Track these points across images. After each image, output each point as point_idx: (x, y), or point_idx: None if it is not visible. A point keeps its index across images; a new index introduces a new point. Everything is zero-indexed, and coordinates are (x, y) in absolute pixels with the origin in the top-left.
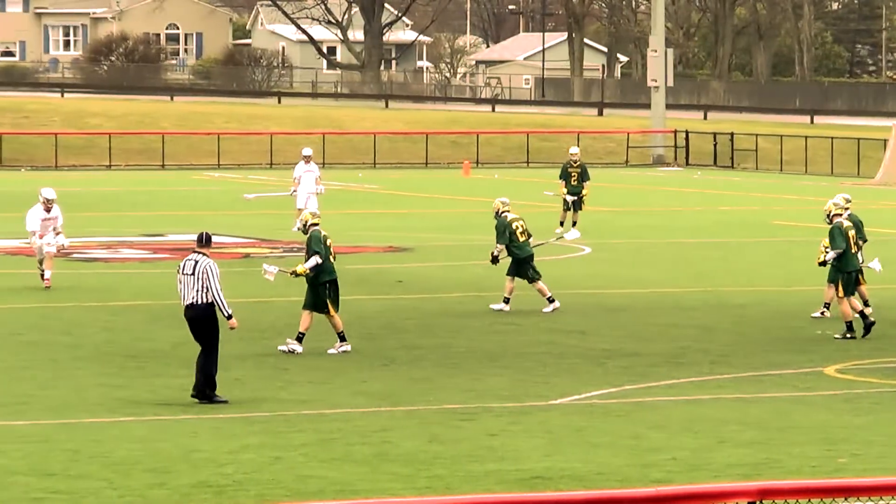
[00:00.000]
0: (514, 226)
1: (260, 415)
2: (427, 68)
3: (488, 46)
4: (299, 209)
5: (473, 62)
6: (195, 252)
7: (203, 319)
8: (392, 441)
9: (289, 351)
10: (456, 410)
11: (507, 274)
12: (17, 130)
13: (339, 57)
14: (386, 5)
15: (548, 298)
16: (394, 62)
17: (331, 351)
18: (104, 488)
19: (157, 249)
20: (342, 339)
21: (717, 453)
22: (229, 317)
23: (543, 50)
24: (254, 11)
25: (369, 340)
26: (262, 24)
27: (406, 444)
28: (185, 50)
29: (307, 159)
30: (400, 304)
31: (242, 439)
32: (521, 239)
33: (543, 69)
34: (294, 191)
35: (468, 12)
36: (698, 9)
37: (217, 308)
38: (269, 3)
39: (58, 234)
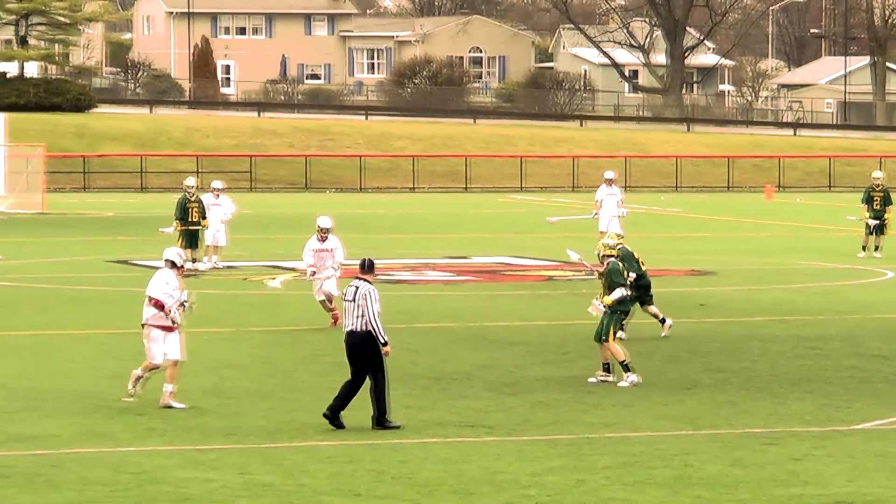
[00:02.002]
0: (635, 255)
1: (564, 437)
2: (729, 92)
3: (790, 70)
4: (601, 232)
5: (775, 86)
6: (358, 278)
7: (362, 346)
8: (694, 465)
9: (630, 384)
10: (759, 434)
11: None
12: (322, 153)
13: (641, 80)
14: (688, 29)
15: (660, 320)
16: (696, 85)
17: (591, 380)
18: None
19: (462, 272)
20: (625, 369)
21: None
22: (384, 343)
23: (846, 73)
24: (556, 35)
25: (673, 363)
26: (564, 47)
27: (709, 467)
28: (489, 73)
29: (609, 182)
30: (703, 327)
31: (546, 462)
32: (644, 268)
33: (846, 93)
34: (596, 214)
35: (771, 36)
36: None
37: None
38: (572, 26)
39: (336, 269)
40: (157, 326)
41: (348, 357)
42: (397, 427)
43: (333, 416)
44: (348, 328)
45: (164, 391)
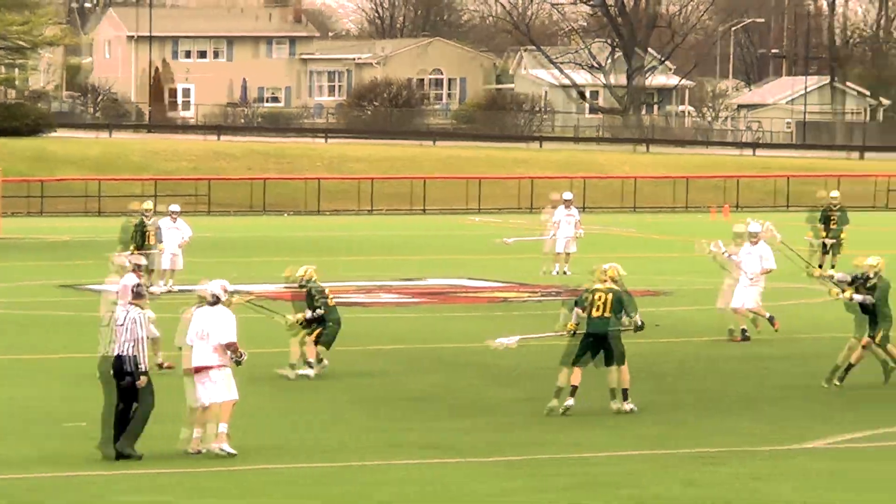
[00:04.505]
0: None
1: (523, 458)
2: (689, 112)
3: (749, 90)
4: (558, 253)
5: (734, 106)
6: (130, 304)
7: (129, 371)
8: (647, 486)
9: (561, 408)
10: (712, 454)
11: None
12: (280, 175)
13: (601, 101)
14: (649, 49)
15: (306, 362)
16: (655, 106)
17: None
18: None
19: (417, 294)
20: (625, 397)
21: None
22: (143, 373)
23: (805, 93)
24: (517, 56)
25: None
26: (524, 68)
27: (661, 487)
28: (448, 94)
29: (567, 203)
30: (657, 347)
31: (505, 482)
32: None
33: (805, 112)
34: (553, 234)
35: (731, 56)
36: None
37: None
38: (532, 47)
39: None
40: (221, 366)
41: (115, 380)
42: (139, 457)
43: (119, 450)
44: (116, 352)
45: (220, 432)
